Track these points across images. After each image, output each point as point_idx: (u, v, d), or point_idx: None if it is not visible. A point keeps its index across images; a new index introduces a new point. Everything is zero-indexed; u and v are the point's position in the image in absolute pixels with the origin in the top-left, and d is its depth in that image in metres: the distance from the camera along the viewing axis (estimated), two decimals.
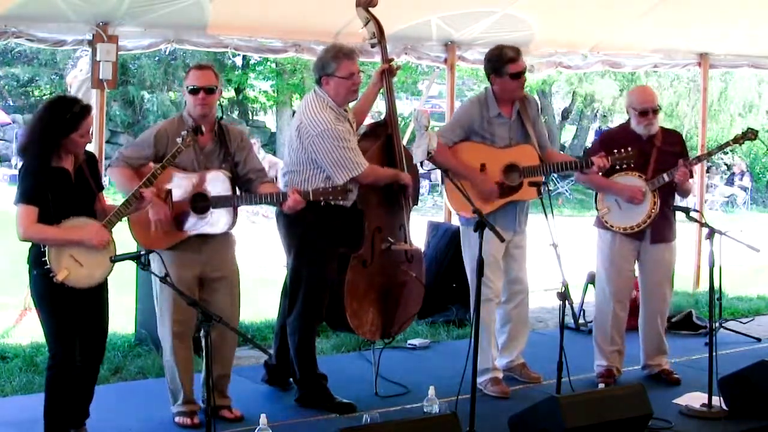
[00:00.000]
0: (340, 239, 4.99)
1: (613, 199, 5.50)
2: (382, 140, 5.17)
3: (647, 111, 5.44)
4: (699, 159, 6.05)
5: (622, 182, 5.46)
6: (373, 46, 5.34)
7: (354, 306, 5.03)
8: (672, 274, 5.73)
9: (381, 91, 5.33)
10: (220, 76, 4.82)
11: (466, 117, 5.35)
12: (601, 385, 5.03)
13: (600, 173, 5.36)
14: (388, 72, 5.21)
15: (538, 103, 5.68)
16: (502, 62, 5.22)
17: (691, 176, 5.54)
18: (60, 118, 4.12)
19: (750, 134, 5.59)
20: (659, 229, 5.50)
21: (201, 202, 4.63)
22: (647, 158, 5.46)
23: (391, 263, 5.15)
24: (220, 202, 4.62)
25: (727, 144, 5.90)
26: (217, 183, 4.65)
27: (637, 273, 5.72)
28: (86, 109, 4.19)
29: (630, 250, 5.55)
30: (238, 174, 4.77)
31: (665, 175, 5.39)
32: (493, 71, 5.27)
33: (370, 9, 5.21)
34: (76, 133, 4.12)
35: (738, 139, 5.64)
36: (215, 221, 4.67)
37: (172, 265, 4.59)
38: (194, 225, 4.66)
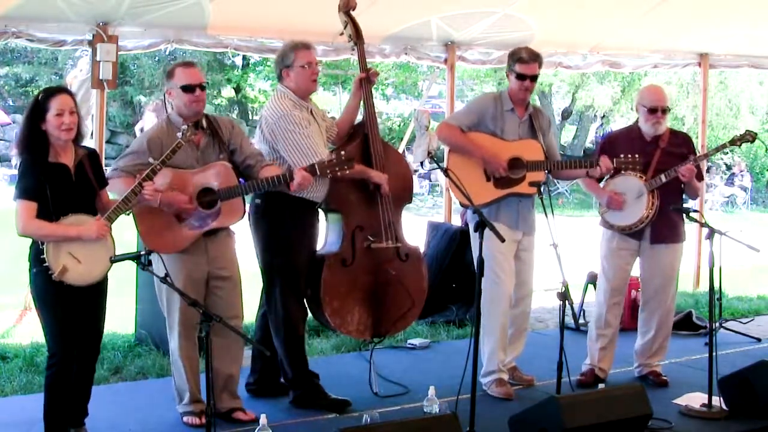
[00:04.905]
0: (311, 236, 5.03)
1: None
2: (360, 139, 5.20)
3: (656, 109, 5.43)
4: (699, 159, 5.95)
5: (620, 182, 5.46)
6: (353, 48, 5.42)
7: (335, 305, 4.99)
8: (675, 276, 5.69)
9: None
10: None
11: (481, 105, 5.41)
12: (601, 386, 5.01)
13: (606, 175, 5.38)
14: (366, 80, 5.25)
15: (551, 120, 5.69)
16: (513, 60, 5.31)
17: (701, 178, 5.52)
18: (35, 104, 4.17)
19: (748, 136, 5.52)
20: (660, 230, 5.48)
21: (208, 197, 4.60)
22: (650, 159, 5.44)
23: (375, 262, 5.12)
24: (227, 194, 4.59)
25: (724, 145, 5.80)
26: (220, 175, 4.60)
27: (639, 273, 5.72)
28: (58, 89, 4.26)
29: (628, 248, 5.56)
30: (237, 162, 4.75)
31: (663, 176, 5.36)
32: (507, 67, 5.37)
33: (350, 12, 5.30)
34: (50, 113, 4.12)
35: (735, 141, 5.56)
36: (228, 212, 4.62)
37: (182, 267, 4.60)
38: (205, 220, 4.60)
